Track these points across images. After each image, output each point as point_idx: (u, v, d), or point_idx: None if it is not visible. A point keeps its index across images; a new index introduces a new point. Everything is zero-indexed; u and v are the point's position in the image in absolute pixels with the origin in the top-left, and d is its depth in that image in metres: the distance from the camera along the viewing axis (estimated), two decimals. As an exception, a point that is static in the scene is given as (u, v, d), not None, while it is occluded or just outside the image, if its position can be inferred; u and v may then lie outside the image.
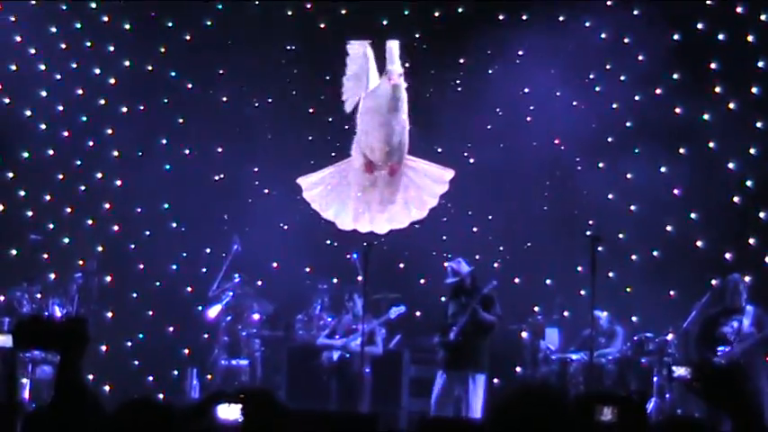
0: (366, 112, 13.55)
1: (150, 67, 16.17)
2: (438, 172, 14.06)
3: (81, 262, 15.16)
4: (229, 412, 5.34)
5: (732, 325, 12.00)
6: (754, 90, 14.95)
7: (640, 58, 15.28)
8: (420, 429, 9.26)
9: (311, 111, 15.77)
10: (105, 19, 16.21)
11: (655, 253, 15.08)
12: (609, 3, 15.44)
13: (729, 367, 11.75)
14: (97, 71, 16.17)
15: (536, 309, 14.78)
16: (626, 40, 15.34)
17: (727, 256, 14.54)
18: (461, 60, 15.65)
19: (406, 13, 16.01)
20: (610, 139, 15.29)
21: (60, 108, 16.06)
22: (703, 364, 11.86)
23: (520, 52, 15.31)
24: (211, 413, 5.35)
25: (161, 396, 13.90)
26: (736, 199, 14.86)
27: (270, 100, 16.00)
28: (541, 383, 12.81)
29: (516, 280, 14.93)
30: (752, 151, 14.90)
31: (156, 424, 5.20)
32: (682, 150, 15.11)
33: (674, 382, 12.54)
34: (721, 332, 11.97)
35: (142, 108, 16.10)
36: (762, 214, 14.79)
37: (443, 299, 13.08)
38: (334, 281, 15.26)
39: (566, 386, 13.37)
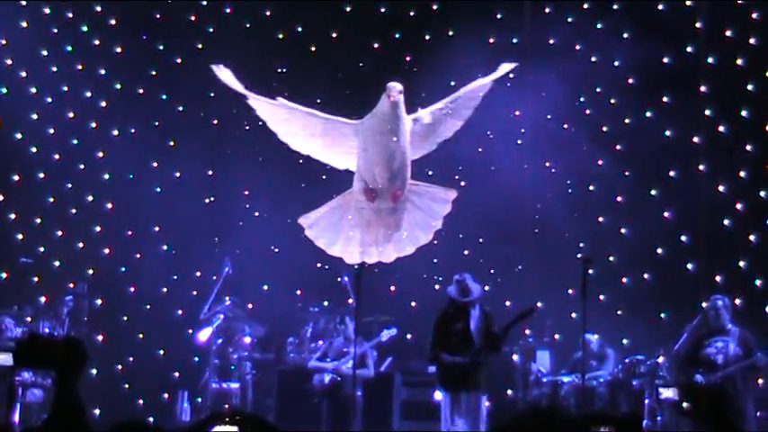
0: (364, 133, 13.35)
1: (141, 90, 16.19)
2: (441, 193, 13.96)
3: (71, 285, 15.08)
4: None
5: (716, 345, 11.98)
6: (743, 113, 15.03)
7: (630, 81, 15.37)
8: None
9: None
10: (96, 42, 16.23)
11: (645, 276, 15.12)
12: (599, 26, 15.52)
13: (714, 389, 11.75)
14: (88, 94, 16.16)
15: (527, 332, 14.76)
16: (616, 64, 15.42)
17: (718, 278, 14.58)
18: (452, 83, 15.65)
19: (398, 36, 16.06)
20: (600, 162, 15.35)
21: (51, 131, 16.04)
22: (691, 385, 11.86)
23: (510, 75, 15.34)
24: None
25: (151, 419, 13.82)
26: (726, 222, 14.91)
27: (260, 122, 15.97)
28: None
29: (507, 303, 14.88)
30: (742, 174, 14.97)
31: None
32: (672, 173, 15.19)
33: (662, 404, 12.54)
34: (705, 353, 11.96)
35: (133, 131, 16.08)
36: (752, 237, 14.84)
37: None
38: (326, 303, 15.24)
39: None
